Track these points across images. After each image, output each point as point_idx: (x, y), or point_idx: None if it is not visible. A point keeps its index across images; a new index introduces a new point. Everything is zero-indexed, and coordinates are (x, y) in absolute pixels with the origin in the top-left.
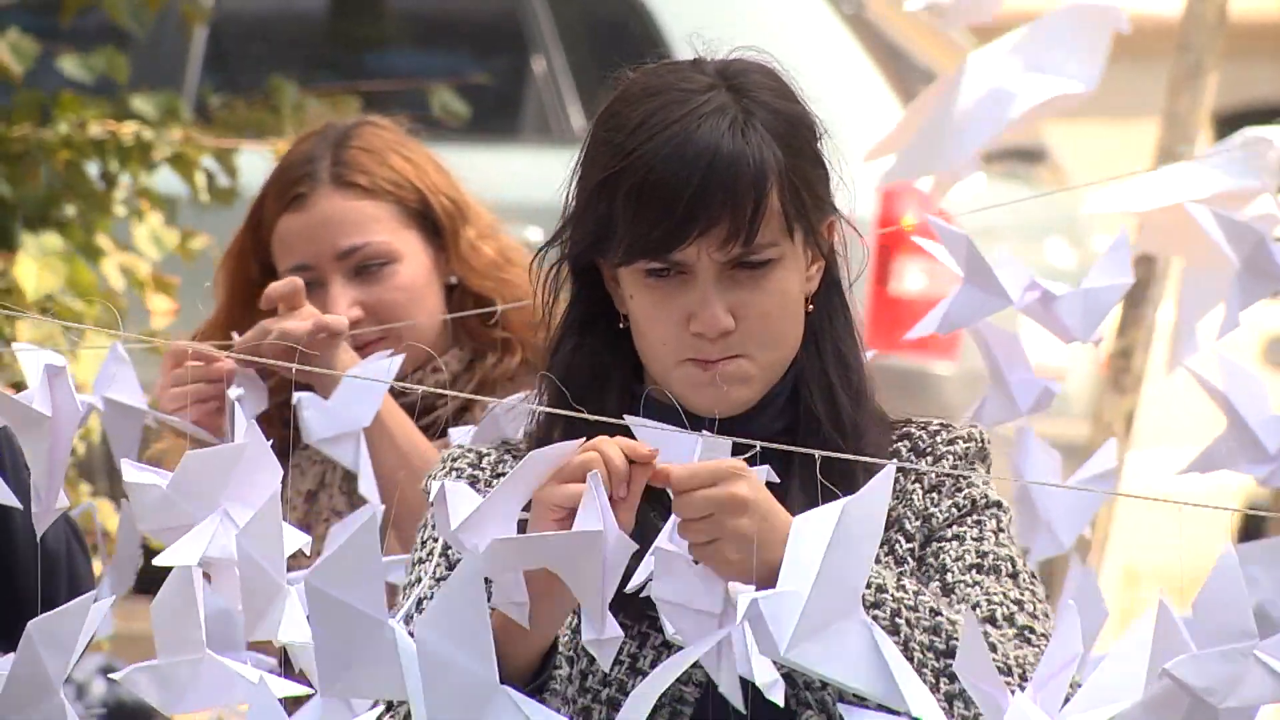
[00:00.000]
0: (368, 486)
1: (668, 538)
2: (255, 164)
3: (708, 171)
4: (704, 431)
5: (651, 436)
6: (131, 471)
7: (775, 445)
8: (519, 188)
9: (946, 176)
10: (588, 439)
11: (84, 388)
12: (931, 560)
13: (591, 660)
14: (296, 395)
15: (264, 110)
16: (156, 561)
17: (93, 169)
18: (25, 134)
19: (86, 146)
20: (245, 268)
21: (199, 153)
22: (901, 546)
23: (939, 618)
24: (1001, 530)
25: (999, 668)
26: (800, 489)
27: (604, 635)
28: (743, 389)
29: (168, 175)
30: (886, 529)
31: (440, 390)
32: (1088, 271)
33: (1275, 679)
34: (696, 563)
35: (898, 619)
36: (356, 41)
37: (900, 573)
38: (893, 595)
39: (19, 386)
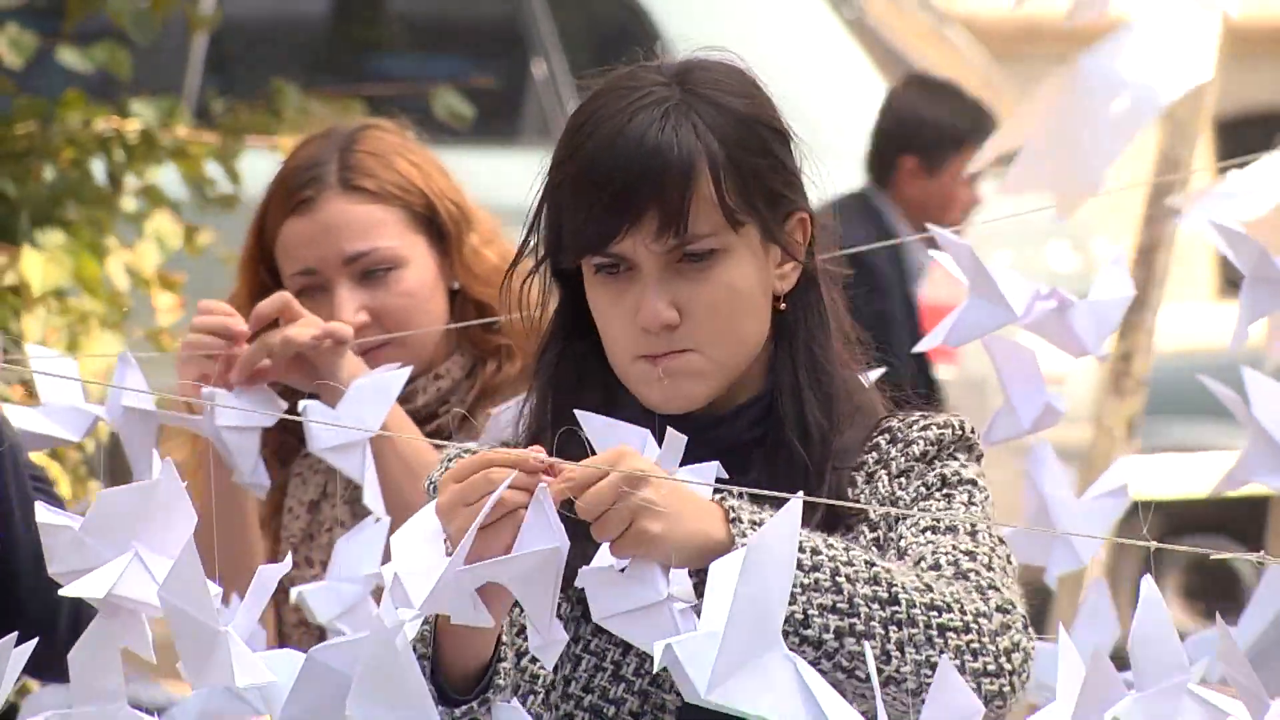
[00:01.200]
0: (373, 498)
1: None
2: (258, 165)
3: (631, 162)
4: (669, 431)
5: (606, 432)
6: (44, 513)
7: (706, 481)
8: (519, 191)
9: (1074, 191)
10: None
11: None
12: (892, 535)
13: (575, 665)
14: (302, 403)
15: (266, 113)
16: (63, 593)
17: (98, 168)
18: (29, 131)
19: (90, 143)
20: (256, 274)
21: (203, 150)
22: (865, 537)
23: (875, 568)
24: (973, 505)
25: (937, 605)
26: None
27: (550, 639)
28: (694, 384)
29: (172, 177)
30: (851, 519)
31: (426, 439)
32: (1090, 276)
33: (1206, 710)
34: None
35: (838, 577)
36: (357, 45)
37: (825, 534)
38: (827, 555)
39: (25, 385)
